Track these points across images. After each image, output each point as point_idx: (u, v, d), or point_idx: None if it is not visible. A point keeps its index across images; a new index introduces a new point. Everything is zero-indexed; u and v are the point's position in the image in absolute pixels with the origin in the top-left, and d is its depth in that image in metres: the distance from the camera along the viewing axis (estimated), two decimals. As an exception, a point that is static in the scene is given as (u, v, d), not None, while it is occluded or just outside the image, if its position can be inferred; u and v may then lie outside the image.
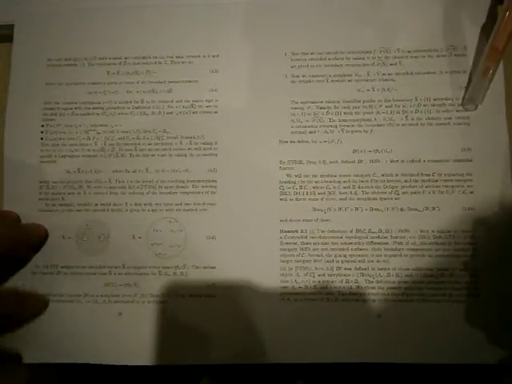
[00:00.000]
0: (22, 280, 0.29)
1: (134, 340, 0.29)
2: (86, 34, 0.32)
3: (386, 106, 0.29)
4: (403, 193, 0.29)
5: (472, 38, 0.30)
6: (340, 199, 0.29)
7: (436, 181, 0.29)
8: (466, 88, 0.29)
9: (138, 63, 0.31)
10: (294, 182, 0.29)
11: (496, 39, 0.28)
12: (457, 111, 0.29)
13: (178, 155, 0.30)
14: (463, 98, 0.29)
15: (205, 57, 0.31)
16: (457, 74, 0.29)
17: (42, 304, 0.29)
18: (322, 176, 0.29)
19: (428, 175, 0.29)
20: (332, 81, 0.30)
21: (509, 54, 0.29)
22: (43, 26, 0.32)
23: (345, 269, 0.28)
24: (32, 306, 0.28)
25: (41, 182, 0.30)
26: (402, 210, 0.29)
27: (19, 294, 0.28)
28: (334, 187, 0.29)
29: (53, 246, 0.30)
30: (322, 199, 0.29)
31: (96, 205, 0.30)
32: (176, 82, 0.31)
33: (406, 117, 0.29)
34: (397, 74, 0.30)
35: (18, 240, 0.28)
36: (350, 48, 0.30)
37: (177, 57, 0.31)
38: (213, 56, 0.31)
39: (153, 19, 0.31)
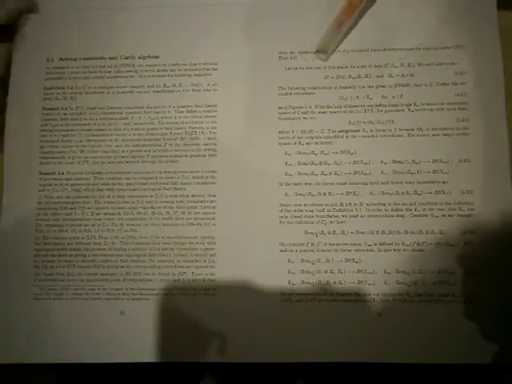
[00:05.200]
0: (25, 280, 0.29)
1: (134, 338, 0.29)
2: (87, 35, 0.32)
3: (385, 111, 0.29)
4: (402, 195, 0.29)
5: (471, 38, 0.30)
6: (340, 203, 0.29)
7: (433, 182, 0.29)
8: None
9: (140, 65, 0.31)
10: (295, 183, 0.29)
11: None
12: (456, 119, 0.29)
13: (174, 162, 0.30)
14: (316, 49, 0.30)
15: (205, 64, 0.31)
16: (457, 75, 0.29)
17: None
18: (322, 174, 0.29)
19: (427, 179, 0.29)
20: (328, 86, 0.30)
21: (509, 54, 0.29)
22: (43, 25, 0.32)
23: (345, 269, 0.28)
24: None
25: (40, 185, 0.30)
26: (401, 211, 0.29)
27: None
28: (335, 189, 0.29)
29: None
30: (322, 204, 0.29)
31: (97, 203, 0.30)
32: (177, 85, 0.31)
33: (406, 122, 0.29)
34: (397, 75, 0.30)
35: None
36: (349, 47, 0.30)
37: (179, 63, 0.31)
38: (211, 63, 0.31)
39: (154, 19, 0.31)
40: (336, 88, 0.30)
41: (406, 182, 0.29)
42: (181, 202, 0.30)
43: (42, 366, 0.29)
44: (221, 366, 0.30)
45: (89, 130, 0.31)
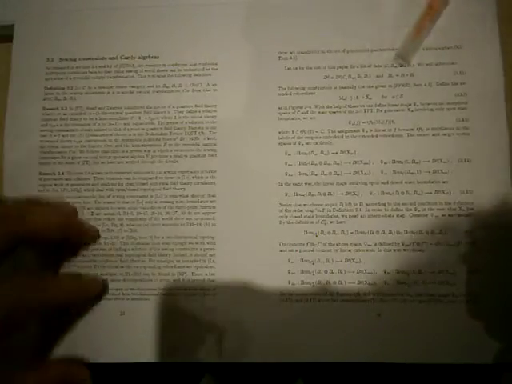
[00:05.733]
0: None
1: (135, 338, 0.29)
2: (87, 35, 0.32)
3: (385, 111, 0.29)
4: (402, 194, 0.29)
5: (471, 38, 0.30)
6: (340, 203, 0.29)
7: (433, 182, 0.29)
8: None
9: (140, 65, 0.31)
10: (295, 183, 0.29)
11: None
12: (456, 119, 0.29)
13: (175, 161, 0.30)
14: (396, 54, 0.30)
15: (205, 64, 0.31)
16: (457, 75, 0.29)
17: (101, 286, 0.28)
18: (322, 174, 0.29)
19: (427, 179, 0.29)
20: (327, 87, 0.30)
21: (509, 54, 0.29)
22: (43, 25, 0.32)
23: (345, 269, 0.28)
24: (92, 288, 0.28)
25: (40, 185, 0.30)
26: (401, 211, 0.29)
27: (79, 277, 0.28)
28: (335, 189, 0.29)
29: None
30: (322, 204, 0.29)
31: (97, 203, 0.30)
32: (176, 85, 0.31)
33: (406, 122, 0.29)
34: (396, 75, 0.30)
35: (67, 228, 0.27)
36: (348, 47, 0.30)
37: (179, 63, 0.31)
38: (211, 63, 0.31)
39: (154, 19, 0.31)
40: (336, 88, 0.30)
41: (405, 182, 0.29)
42: (181, 202, 0.30)
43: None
44: (221, 366, 0.30)
45: (89, 130, 0.31)
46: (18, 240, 0.24)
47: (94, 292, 0.28)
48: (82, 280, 0.28)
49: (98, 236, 0.29)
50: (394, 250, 0.28)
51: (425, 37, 0.29)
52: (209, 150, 0.30)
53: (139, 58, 0.31)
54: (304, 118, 0.30)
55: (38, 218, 0.24)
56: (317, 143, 0.30)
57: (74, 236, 0.28)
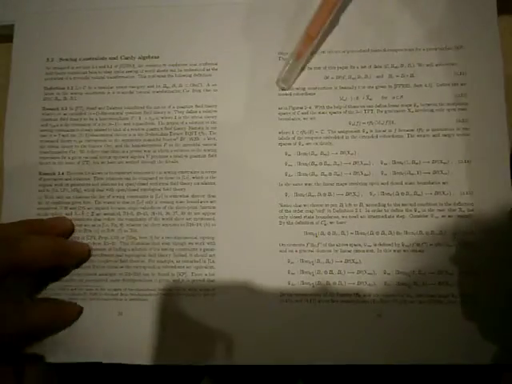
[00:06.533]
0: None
1: (133, 339, 0.29)
2: (87, 35, 0.32)
3: (386, 112, 0.29)
4: (402, 195, 0.29)
5: (471, 38, 0.30)
6: (340, 204, 0.29)
7: (433, 183, 0.29)
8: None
9: (140, 65, 0.31)
10: (295, 184, 0.29)
11: (310, 26, 0.29)
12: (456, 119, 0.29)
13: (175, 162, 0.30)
14: (278, 79, 0.30)
15: (205, 64, 0.31)
16: (457, 76, 0.29)
17: (77, 311, 0.29)
18: (322, 174, 0.29)
19: (427, 180, 0.29)
20: (329, 87, 0.30)
21: (509, 54, 0.29)
22: (43, 25, 0.32)
23: (345, 270, 0.28)
24: (68, 314, 0.29)
25: (40, 185, 0.30)
26: (401, 212, 0.29)
27: (57, 303, 0.29)
28: (335, 190, 0.29)
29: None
30: (322, 204, 0.29)
31: (97, 203, 0.30)
32: (176, 85, 0.31)
33: (405, 123, 0.29)
34: (397, 76, 0.30)
35: (60, 255, 0.28)
36: (349, 48, 0.30)
37: (179, 63, 0.31)
38: (211, 63, 0.31)
39: (154, 19, 0.31)
40: (336, 88, 0.30)
41: (405, 183, 0.29)
42: (181, 202, 0.30)
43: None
44: (220, 368, 0.30)
45: (89, 130, 0.31)
46: (10, 268, 0.24)
47: (69, 317, 0.29)
48: (60, 306, 0.28)
49: (90, 253, 0.30)
50: (394, 251, 0.28)
51: (304, 62, 0.30)
52: (209, 150, 0.30)
53: (139, 58, 0.31)
54: (304, 119, 0.30)
55: (33, 245, 0.25)
56: (317, 144, 0.30)
57: (67, 261, 0.29)
